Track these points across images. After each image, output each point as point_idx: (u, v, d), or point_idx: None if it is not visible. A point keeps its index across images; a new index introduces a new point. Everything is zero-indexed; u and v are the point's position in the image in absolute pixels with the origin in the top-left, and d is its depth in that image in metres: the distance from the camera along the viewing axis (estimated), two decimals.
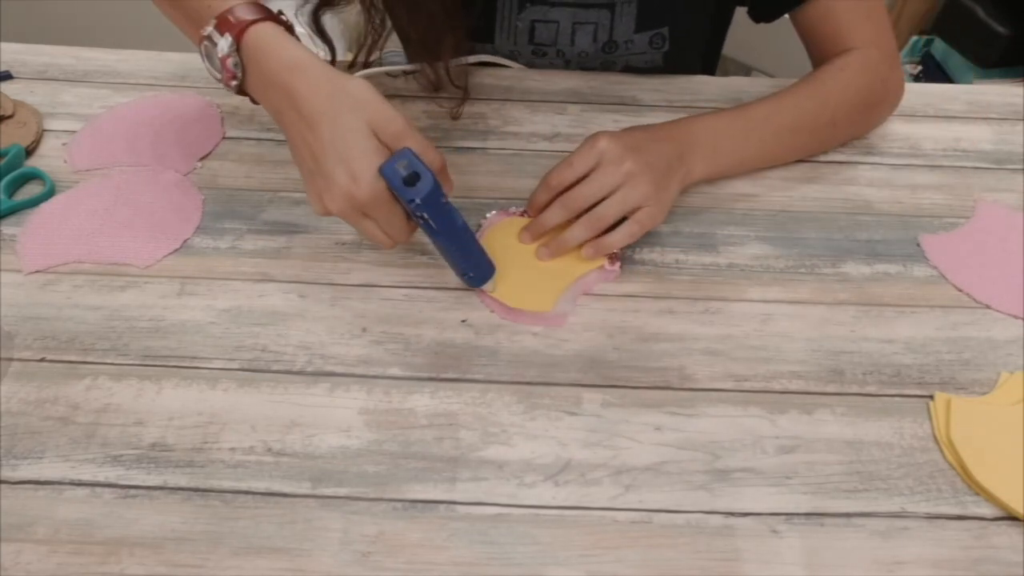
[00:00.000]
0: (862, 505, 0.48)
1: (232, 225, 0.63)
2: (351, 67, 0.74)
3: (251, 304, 0.58)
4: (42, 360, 0.54)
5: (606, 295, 0.59)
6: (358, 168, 0.50)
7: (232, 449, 0.50)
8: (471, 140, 0.72)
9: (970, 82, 1.74)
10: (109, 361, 0.54)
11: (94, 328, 0.56)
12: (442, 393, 0.53)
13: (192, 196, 0.65)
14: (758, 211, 0.66)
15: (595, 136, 0.60)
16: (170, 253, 0.61)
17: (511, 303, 0.57)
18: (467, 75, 0.74)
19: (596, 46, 0.78)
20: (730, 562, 0.46)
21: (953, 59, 1.80)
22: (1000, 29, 1.66)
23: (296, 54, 0.52)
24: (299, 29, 0.59)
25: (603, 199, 0.58)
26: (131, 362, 0.54)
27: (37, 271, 0.59)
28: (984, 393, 0.54)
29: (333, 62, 0.69)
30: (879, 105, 0.72)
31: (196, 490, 0.48)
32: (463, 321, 0.57)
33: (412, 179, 0.50)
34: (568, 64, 0.80)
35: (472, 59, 0.77)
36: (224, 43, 0.52)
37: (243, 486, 0.48)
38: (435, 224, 0.52)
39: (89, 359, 0.54)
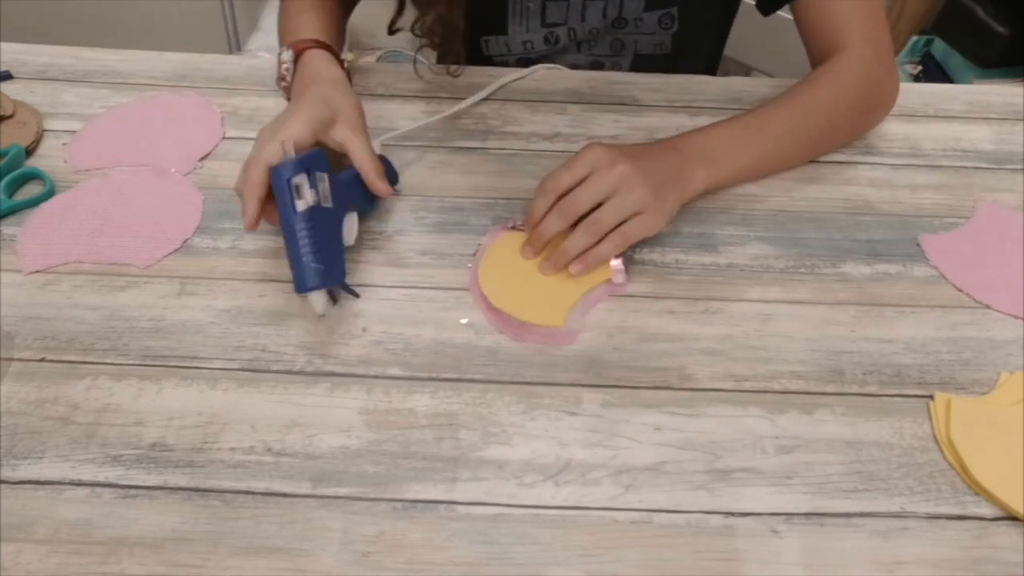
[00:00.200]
0: (862, 505, 0.48)
1: (232, 225, 0.63)
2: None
3: (251, 304, 0.58)
4: (42, 360, 0.54)
5: (606, 295, 0.59)
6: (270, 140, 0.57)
7: (232, 449, 0.50)
8: (471, 140, 0.72)
9: (970, 82, 1.74)
10: (109, 361, 0.54)
11: (94, 328, 0.56)
12: (442, 393, 0.53)
13: (192, 196, 0.65)
14: (758, 211, 0.66)
15: (590, 144, 0.60)
16: (170, 253, 0.61)
17: (520, 316, 0.56)
18: (465, 44, 0.74)
19: (606, 22, 0.79)
20: (730, 562, 0.46)
21: (953, 59, 1.81)
22: (1000, 29, 1.66)
23: (329, 72, 0.65)
24: None
25: (601, 205, 0.57)
26: (131, 362, 0.54)
27: (37, 271, 0.59)
28: (984, 393, 0.54)
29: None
30: (876, 108, 0.72)
31: (196, 490, 0.48)
32: (463, 321, 0.57)
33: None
34: (579, 46, 0.81)
35: (531, 69, 0.79)
36: (287, 55, 0.68)
37: (243, 486, 0.48)
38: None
39: (89, 359, 0.54)
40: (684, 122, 0.74)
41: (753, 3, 0.77)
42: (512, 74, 0.78)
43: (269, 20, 1.65)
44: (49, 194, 0.65)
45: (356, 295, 0.58)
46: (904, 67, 1.88)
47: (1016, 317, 0.59)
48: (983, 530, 0.47)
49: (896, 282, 0.61)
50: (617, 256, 0.59)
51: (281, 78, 0.69)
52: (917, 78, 1.86)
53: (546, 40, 0.81)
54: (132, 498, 0.47)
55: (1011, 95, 0.80)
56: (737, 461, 0.50)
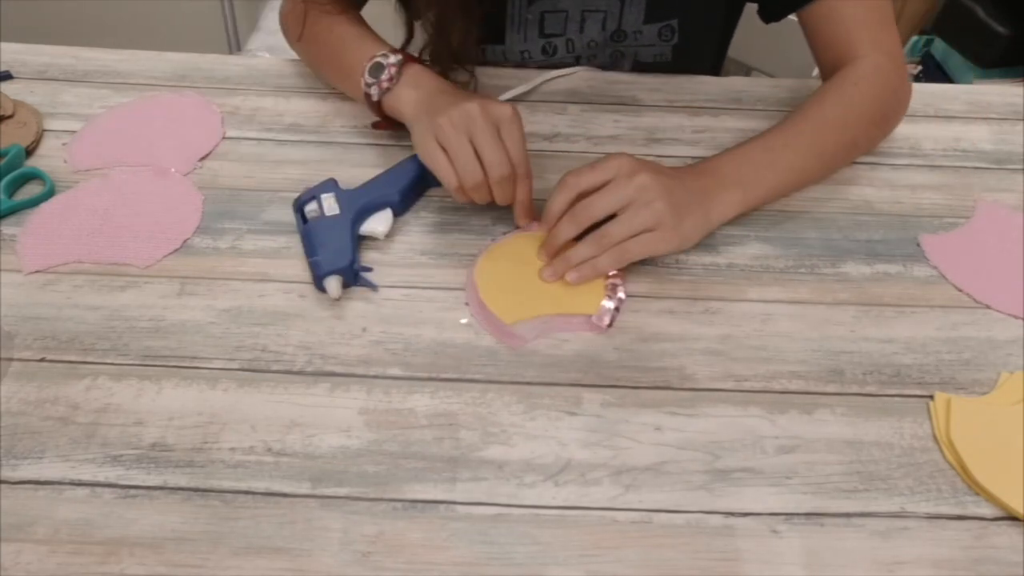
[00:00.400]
0: (862, 505, 0.48)
1: (232, 225, 0.63)
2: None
3: (251, 304, 0.58)
4: (42, 360, 0.54)
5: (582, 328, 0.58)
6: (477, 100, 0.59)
7: (232, 449, 0.50)
8: None
9: (970, 82, 1.74)
10: (109, 361, 0.54)
11: (94, 328, 0.56)
12: (442, 393, 0.53)
13: (192, 196, 0.65)
14: (758, 211, 0.66)
15: (620, 152, 0.58)
16: (170, 253, 0.61)
17: (488, 303, 0.56)
18: (477, 53, 0.74)
19: (605, 34, 0.78)
20: (730, 562, 0.46)
21: (953, 59, 1.81)
22: (1000, 29, 1.66)
23: (452, 86, 0.66)
24: None
25: (614, 216, 0.56)
26: (131, 362, 0.54)
27: (37, 271, 0.59)
28: (984, 393, 0.54)
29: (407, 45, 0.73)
30: (892, 117, 0.71)
31: (196, 490, 0.48)
32: (463, 321, 0.57)
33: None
34: (578, 59, 0.81)
35: (571, 70, 0.79)
36: (394, 59, 0.65)
37: (243, 486, 0.48)
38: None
39: (89, 359, 0.54)
40: (684, 122, 0.74)
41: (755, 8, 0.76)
42: (547, 74, 0.78)
43: (269, 20, 1.65)
44: (49, 194, 0.65)
45: (375, 288, 0.59)
46: None
47: (1016, 317, 0.59)
48: (983, 530, 0.47)
49: (896, 282, 0.61)
50: (617, 286, 0.58)
51: (389, 79, 0.65)
52: (917, 78, 1.86)
53: (544, 51, 0.80)
54: (132, 498, 0.47)
55: (1011, 95, 0.80)
56: (737, 461, 0.50)
